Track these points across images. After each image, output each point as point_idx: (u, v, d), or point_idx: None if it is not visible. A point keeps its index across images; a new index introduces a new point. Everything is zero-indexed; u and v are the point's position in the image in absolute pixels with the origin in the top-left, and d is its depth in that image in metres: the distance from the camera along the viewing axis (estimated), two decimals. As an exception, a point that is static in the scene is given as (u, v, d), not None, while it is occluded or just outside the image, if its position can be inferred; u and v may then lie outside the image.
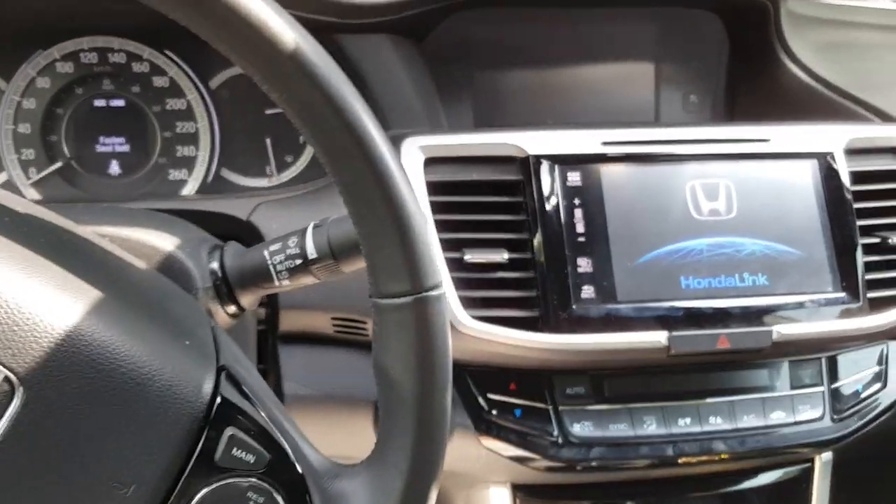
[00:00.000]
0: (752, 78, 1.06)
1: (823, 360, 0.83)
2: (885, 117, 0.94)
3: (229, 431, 0.43)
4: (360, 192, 0.44)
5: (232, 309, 0.61)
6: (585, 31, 1.07)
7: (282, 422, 0.46)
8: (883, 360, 0.86)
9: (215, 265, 0.60)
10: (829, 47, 1.05)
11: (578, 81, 1.09)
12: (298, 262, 0.58)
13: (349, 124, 0.43)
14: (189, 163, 0.93)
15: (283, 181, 0.96)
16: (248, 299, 0.61)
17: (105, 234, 0.56)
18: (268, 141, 0.95)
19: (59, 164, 0.91)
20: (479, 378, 0.78)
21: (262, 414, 0.46)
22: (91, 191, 0.92)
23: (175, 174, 0.93)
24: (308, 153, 0.97)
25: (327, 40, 0.85)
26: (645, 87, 1.10)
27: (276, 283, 0.59)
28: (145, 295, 0.49)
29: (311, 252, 0.57)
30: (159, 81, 0.92)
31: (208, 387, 0.44)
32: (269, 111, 0.95)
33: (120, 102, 0.92)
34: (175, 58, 0.92)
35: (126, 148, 0.93)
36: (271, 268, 0.58)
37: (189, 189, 0.93)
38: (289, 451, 0.45)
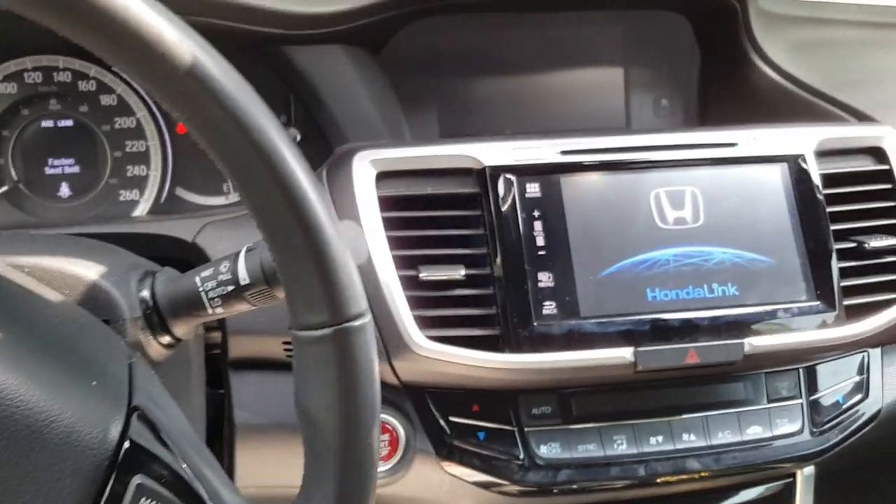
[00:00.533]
0: (723, 80, 1.03)
1: (801, 372, 0.80)
2: (860, 116, 0.91)
3: (137, 479, 0.40)
4: (271, 218, 0.41)
5: (166, 339, 0.57)
6: (552, 36, 1.05)
7: (200, 466, 0.43)
8: (864, 370, 0.83)
9: (146, 293, 0.57)
10: (802, 46, 1.02)
11: (547, 88, 1.06)
12: (230, 288, 0.54)
13: (257, 144, 0.40)
14: (140, 182, 0.90)
15: (239, 199, 0.93)
16: (183, 329, 0.58)
17: (23, 264, 0.53)
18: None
19: (5, 188, 0.88)
20: (440, 400, 0.74)
21: (178, 458, 0.42)
22: (40, 215, 0.89)
23: (126, 195, 0.90)
24: (266, 169, 0.94)
25: (275, 53, 0.82)
26: (615, 92, 1.08)
27: (209, 311, 0.55)
28: (53, 331, 0.45)
29: (244, 277, 0.54)
30: (107, 100, 0.89)
31: (116, 430, 0.41)
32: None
33: (68, 122, 0.89)
34: (122, 75, 0.89)
35: (76, 169, 0.90)
36: (203, 295, 0.55)
37: (141, 210, 0.90)
38: (206, 498, 0.42)
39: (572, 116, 1.07)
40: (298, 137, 0.91)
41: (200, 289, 0.55)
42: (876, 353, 0.84)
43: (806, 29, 1.05)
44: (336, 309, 0.41)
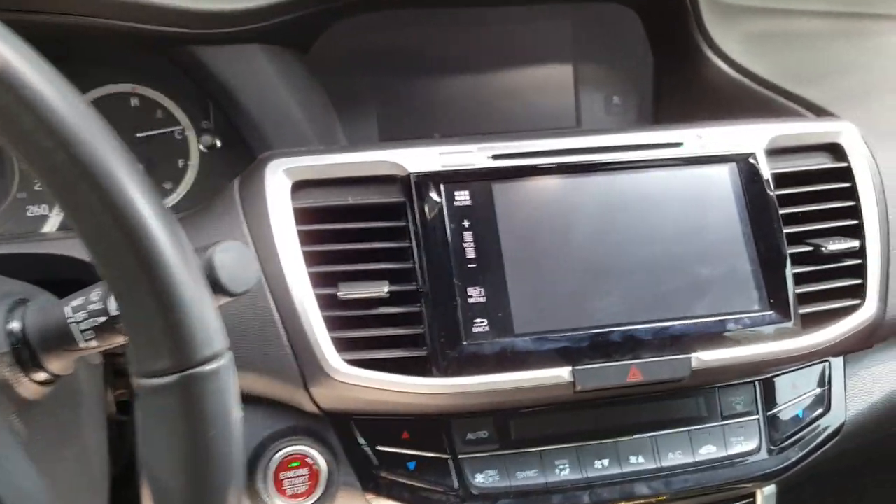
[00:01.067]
0: (676, 76, 0.98)
1: (757, 385, 0.75)
2: (818, 111, 0.86)
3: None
4: (100, 245, 0.35)
5: (40, 376, 0.51)
6: (497, 32, 0.99)
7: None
8: (825, 381, 0.77)
9: (15, 325, 0.51)
10: (757, 38, 0.97)
11: (494, 87, 1.00)
12: (102, 319, 0.48)
13: (80, 161, 0.34)
14: (49, 196, 0.84)
15: (162, 211, 0.87)
16: (58, 364, 0.52)
17: None
18: (140, 167, 0.85)
19: None
20: (366, 428, 0.69)
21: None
22: (-59, 232, 0.83)
23: (34, 209, 0.84)
24: (190, 178, 0.88)
25: (185, 54, 0.76)
26: (564, 90, 1.02)
27: (81, 344, 0.49)
28: None
29: (115, 307, 0.48)
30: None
31: None
32: (140, 134, 0.86)
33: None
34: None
35: (-19, 183, 0.84)
36: (73, 327, 0.49)
37: (51, 225, 0.84)
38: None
39: (520, 116, 1.01)
40: (219, 144, 0.85)
41: (70, 320, 0.49)
42: (838, 362, 0.79)
43: (762, 20, 1.00)
44: (181, 352, 0.35)
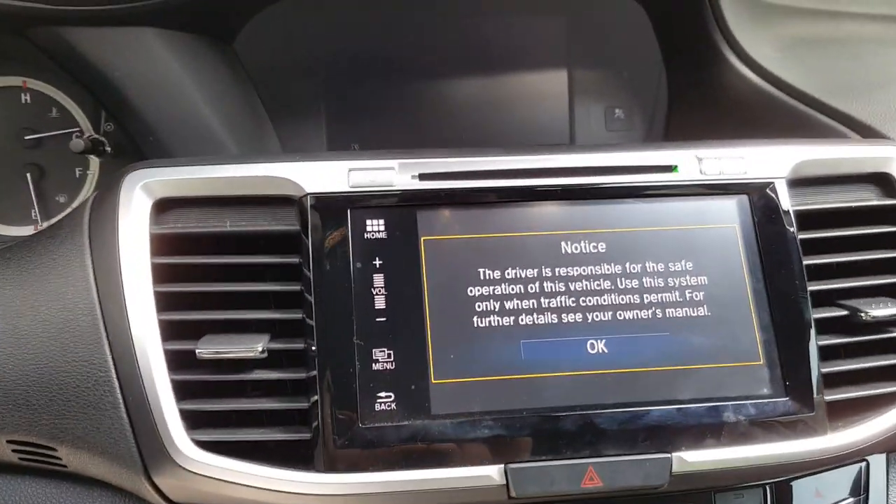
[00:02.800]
0: (694, 86, 0.81)
1: (768, 491, 0.57)
2: (863, 130, 0.68)
3: None
4: None
5: None
6: (475, 26, 0.83)
7: None
8: (861, 487, 0.59)
9: None
10: (793, 43, 0.79)
11: (473, 93, 0.84)
12: None
13: None
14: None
15: (53, 228, 0.73)
16: None
17: None
18: (28, 176, 0.71)
19: None
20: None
21: None
22: None
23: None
24: (88, 189, 0.73)
25: (47, 35, 0.61)
26: (557, 99, 0.86)
27: None
28: None
29: None
30: None
31: None
32: (30, 136, 0.72)
33: None
34: None
35: None
36: None
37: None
38: None
39: (504, 129, 0.85)
40: (108, 150, 0.71)
41: None
42: (879, 461, 0.60)
43: (799, 23, 0.82)
44: None
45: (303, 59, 0.78)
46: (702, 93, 0.80)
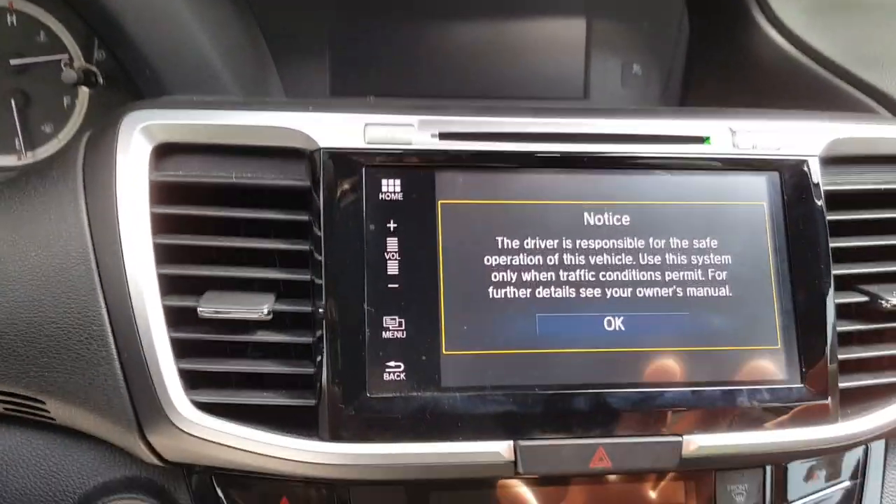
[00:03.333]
0: (716, 45, 0.77)
1: (767, 472, 0.56)
2: (892, 106, 0.65)
3: None
4: None
5: None
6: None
7: None
8: (859, 471, 0.58)
9: None
10: (825, 8, 0.76)
11: (485, 40, 0.80)
12: None
13: None
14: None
15: (38, 159, 0.69)
16: None
17: None
18: (13, 103, 0.67)
19: None
20: (230, 484, 0.51)
21: None
22: None
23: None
24: (77, 121, 0.69)
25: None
26: (573, 50, 0.82)
27: None
28: None
29: None
30: None
31: None
32: (15, 61, 0.67)
33: None
34: None
35: None
36: None
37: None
38: None
39: (516, 80, 0.81)
40: (101, 81, 0.66)
41: None
42: (878, 447, 0.59)
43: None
44: None
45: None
46: (725, 53, 0.76)
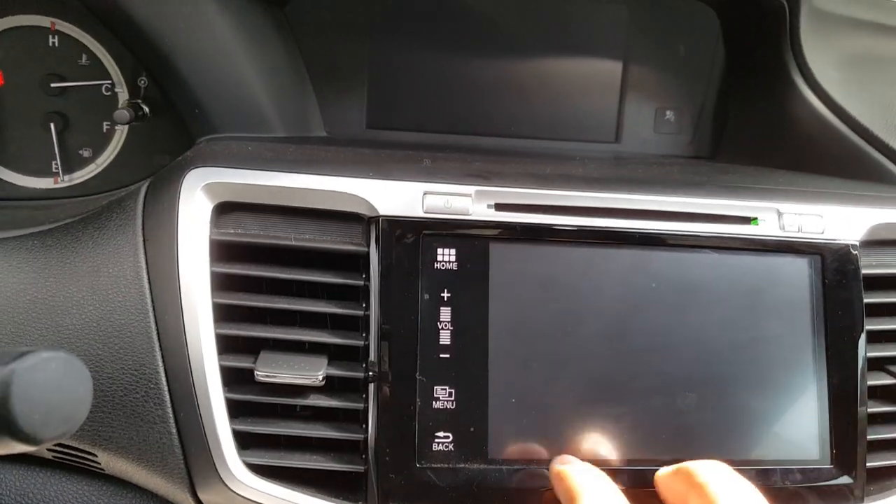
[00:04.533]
0: (751, 100, 0.78)
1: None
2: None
3: None
4: None
5: None
6: (532, 6, 0.79)
7: None
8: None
9: None
10: (858, 61, 0.76)
11: (521, 76, 0.80)
12: None
13: None
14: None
15: (75, 183, 0.69)
16: None
17: None
18: (52, 126, 0.66)
19: None
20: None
21: None
22: None
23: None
24: (115, 146, 0.69)
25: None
26: (608, 92, 0.82)
27: None
28: None
29: None
30: None
31: None
32: (55, 84, 0.67)
33: None
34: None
35: None
36: None
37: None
38: None
39: (548, 119, 0.82)
40: (147, 112, 0.66)
41: None
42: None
43: (865, 37, 0.79)
44: None
45: (350, 23, 0.73)
46: (760, 110, 0.77)
